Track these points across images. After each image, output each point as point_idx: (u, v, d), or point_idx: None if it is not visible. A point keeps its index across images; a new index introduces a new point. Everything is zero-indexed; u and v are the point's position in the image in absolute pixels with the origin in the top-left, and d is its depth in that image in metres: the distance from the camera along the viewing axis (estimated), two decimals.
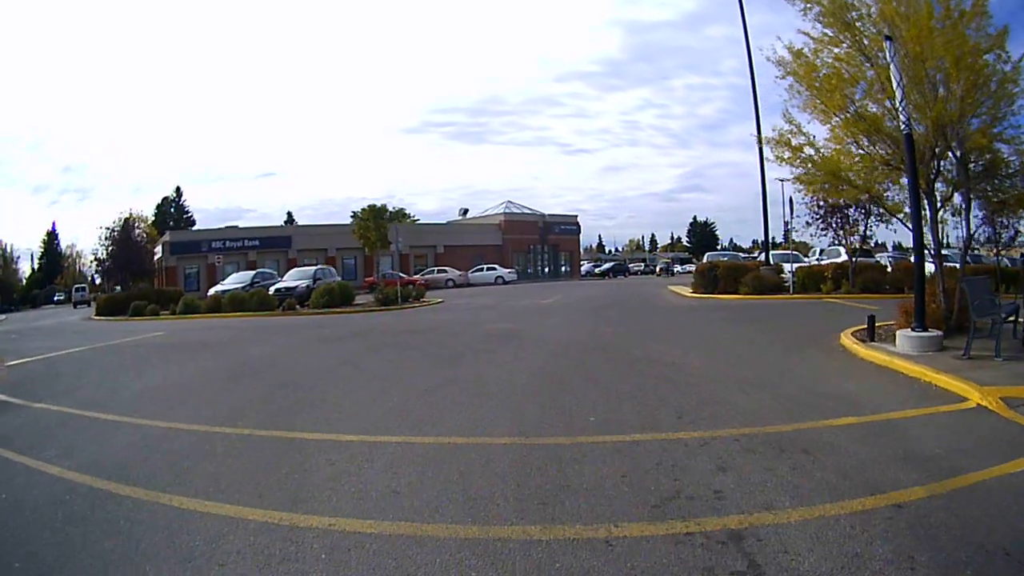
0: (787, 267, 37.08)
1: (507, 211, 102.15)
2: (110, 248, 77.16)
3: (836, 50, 17.05)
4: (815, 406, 10.25)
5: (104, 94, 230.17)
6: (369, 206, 63.72)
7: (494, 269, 77.85)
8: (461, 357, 17.10)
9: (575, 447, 8.44)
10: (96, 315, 51.75)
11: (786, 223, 40.48)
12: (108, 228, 77.97)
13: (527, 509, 6.52)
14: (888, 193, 18.59)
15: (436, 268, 77.96)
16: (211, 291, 50.31)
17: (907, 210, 16.61)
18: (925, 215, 16.04)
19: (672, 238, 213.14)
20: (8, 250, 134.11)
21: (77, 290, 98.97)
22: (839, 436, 8.59)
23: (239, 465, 8.61)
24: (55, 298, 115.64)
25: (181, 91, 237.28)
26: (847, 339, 16.50)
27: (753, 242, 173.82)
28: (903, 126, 14.83)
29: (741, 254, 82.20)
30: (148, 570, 5.75)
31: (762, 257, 46.68)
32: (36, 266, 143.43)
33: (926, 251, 16.00)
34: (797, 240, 40.74)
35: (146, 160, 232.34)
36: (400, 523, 6.35)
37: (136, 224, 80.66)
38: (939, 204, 16.53)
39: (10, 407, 14.12)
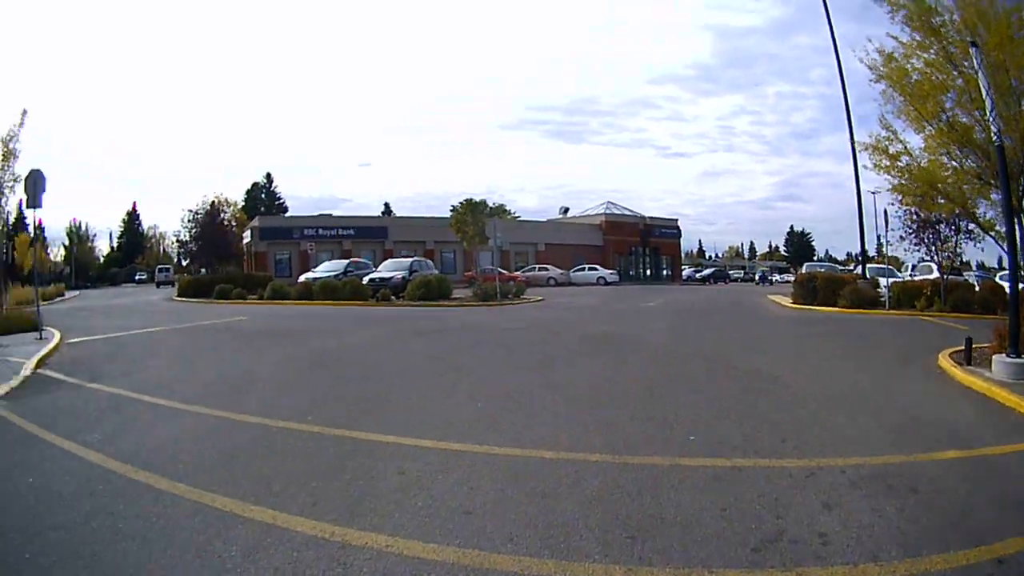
0: (883, 281, 35.87)
1: (608, 212, 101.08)
2: (194, 230, 77.29)
3: (925, 55, 16.35)
4: (919, 435, 9.42)
5: (197, 77, 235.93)
6: (467, 199, 63.05)
7: (596, 270, 76.79)
8: (557, 359, 16.42)
9: (673, 470, 7.63)
10: (178, 296, 52.05)
11: (878, 236, 39.63)
12: (192, 211, 78.13)
13: (613, 543, 5.70)
14: (979, 209, 17.87)
15: (537, 265, 77.27)
16: (302, 277, 49.85)
17: (1000, 228, 15.94)
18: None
19: (770, 247, 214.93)
20: (83, 228, 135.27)
21: (161, 270, 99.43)
22: (944, 472, 7.77)
23: (298, 466, 7.95)
24: (136, 277, 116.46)
25: (277, 78, 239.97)
26: (945, 360, 15.45)
27: (847, 254, 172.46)
28: (994, 138, 13.74)
29: (837, 266, 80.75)
30: None
31: (858, 270, 45.44)
32: (115, 245, 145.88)
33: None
34: (890, 254, 39.82)
35: (236, 146, 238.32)
36: (467, 551, 5.55)
37: (222, 208, 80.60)
38: None
39: (63, 386, 13.77)
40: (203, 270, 74.03)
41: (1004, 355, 13.62)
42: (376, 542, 5.72)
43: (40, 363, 16.39)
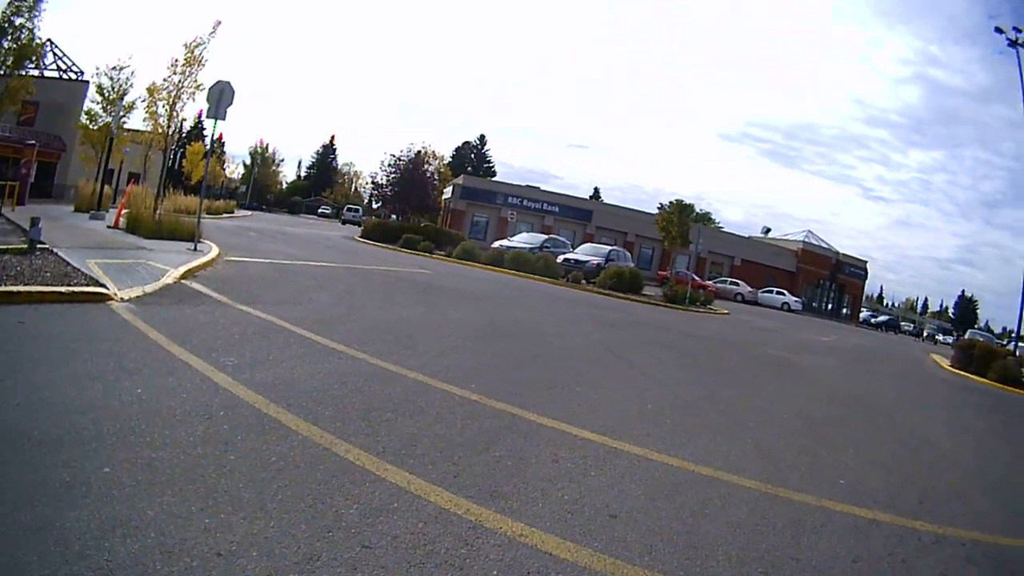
0: None
1: (806, 240, 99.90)
2: (392, 175, 77.50)
3: None
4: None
5: (425, 29, 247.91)
6: (677, 200, 62.37)
7: (783, 294, 76.47)
8: (731, 375, 16.21)
9: (817, 511, 7.38)
10: (361, 237, 51.73)
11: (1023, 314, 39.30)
12: (395, 156, 79.74)
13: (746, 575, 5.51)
14: None
15: (729, 279, 76.83)
16: (495, 244, 49.12)
17: None
18: None
19: (941, 306, 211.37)
20: (269, 150, 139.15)
21: (349, 209, 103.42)
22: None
23: (448, 433, 7.58)
24: (320, 210, 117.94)
25: (508, 47, 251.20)
26: None
27: (1003, 329, 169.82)
28: None
29: (995, 337, 78.80)
30: (269, 524, 4.86)
31: (1011, 345, 45.00)
32: (303, 174, 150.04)
33: None
34: None
35: (452, 104, 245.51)
36: (603, 556, 5.30)
37: (428, 158, 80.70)
38: None
39: (206, 301, 13.36)
40: (394, 216, 74.69)
41: None
42: (511, 529, 5.47)
43: (188, 275, 15.90)
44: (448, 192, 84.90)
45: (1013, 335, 50.61)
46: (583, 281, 39.83)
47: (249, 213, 77.45)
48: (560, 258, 43.98)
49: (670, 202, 61.08)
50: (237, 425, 6.65)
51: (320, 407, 7.68)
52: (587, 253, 46.50)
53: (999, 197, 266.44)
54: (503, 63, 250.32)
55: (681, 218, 57.79)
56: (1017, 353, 38.91)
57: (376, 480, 5.87)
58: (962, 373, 33.24)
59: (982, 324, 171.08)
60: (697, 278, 54.41)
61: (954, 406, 20.34)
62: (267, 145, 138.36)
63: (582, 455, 7.69)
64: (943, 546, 7.12)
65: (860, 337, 50.97)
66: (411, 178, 75.45)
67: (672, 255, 71.42)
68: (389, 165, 77.82)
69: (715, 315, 39.36)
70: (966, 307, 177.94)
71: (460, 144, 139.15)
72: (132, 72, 39.89)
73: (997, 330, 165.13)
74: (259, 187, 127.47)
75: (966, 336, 51.24)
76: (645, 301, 37.31)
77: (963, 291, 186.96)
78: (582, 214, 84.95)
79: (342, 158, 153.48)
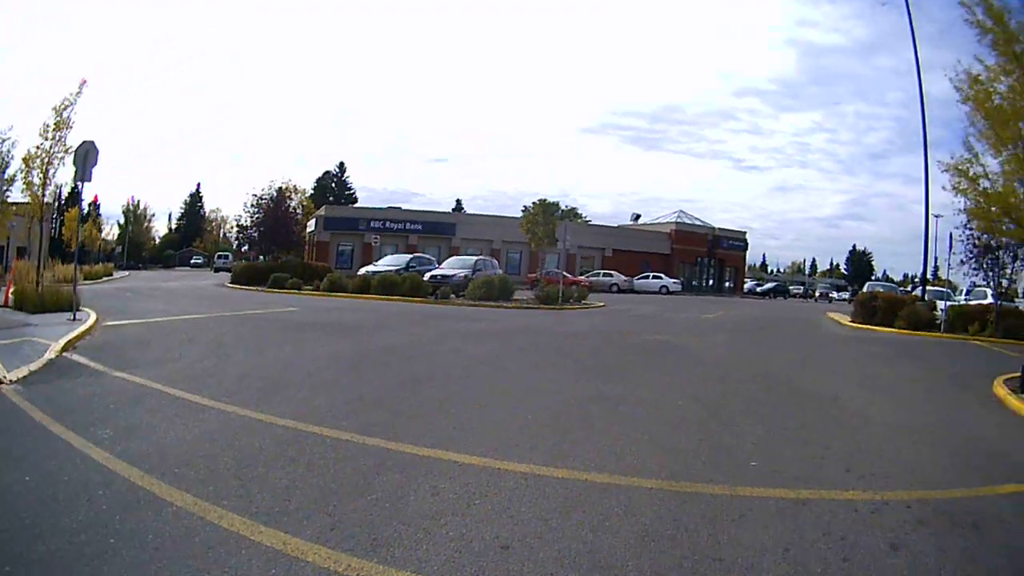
0: (940, 304, 35.64)
1: (678, 221, 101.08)
2: (256, 216, 76.50)
3: (1009, 80, 15.78)
4: (980, 467, 8.97)
5: (277, 65, 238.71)
6: (540, 200, 62.34)
7: (659, 278, 77.45)
8: (615, 369, 15.77)
9: (733, 501, 6.90)
10: (231, 283, 51.73)
11: (935, 259, 39.96)
12: (256, 195, 77.09)
13: None
14: None
15: (602, 271, 77.61)
16: (362, 270, 49.00)
17: None
18: None
19: (831, 264, 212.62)
20: (141, 207, 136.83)
21: (219, 256, 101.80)
22: (1003, 508, 7.32)
23: (322, 480, 7.11)
24: (192, 261, 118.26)
25: (353, 69, 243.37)
26: (999, 387, 15.06)
27: (904, 276, 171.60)
28: None
29: (898, 288, 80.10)
30: None
31: (917, 291, 45.74)
32: (174, 226, 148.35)
33: None
34: (945, 278, 39.62)
35: (309, 134, 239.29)
36: None
37: (289, 194, 79.94)
38: None
39: (86, 373, 13.03)
40: (261, 257, 73.85)
41: None
42: None
43: (67, 346, 15.75)
44: (312, 225, 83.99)
45: (916, 279, 51.45)
46: (453, 296, 40.00)
47: (127, 273, 76.72)
48: (427, 276, 44.11)
49: (533, 203, 61.40)
50: (115, 503, 6.25)
51: (192, 470, 7.31)
52: (453, 267, 47.28)
53: (887, 147, 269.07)
54: (352, 86, 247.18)
55: (546, 217, 57.99)
56: (926, 297, 39.88)
57: (252, 546, 5.36)
58: (866, 327, 33.86)
59: (879, 275, 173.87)
60: (568, 275, 54.57)
61: (861, 361, 20.47)
62: (138, 202, 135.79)
63: (464, 483, 7.24)
64: (884, 514, 6.77)
65: (747, 308, 51.87)
66: (275, 216, 74.10)
67: (541, 256, 72.28)
68: (252, 206, 76.24)
69: (591, 309, 39.65)
70: (859, 261, 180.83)
71: (321, 175, 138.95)
72: (13, 143, 38.86)
73: (897, 278, 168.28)
74: (134, 245, 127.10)
75: (864, 289, 51.40)
76: (517, 306, 37.40)
77: (854, 245, 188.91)
78: (446, 228, 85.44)
79: (209, 204, 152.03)
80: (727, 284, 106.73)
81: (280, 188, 76.50)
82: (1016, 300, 39.62)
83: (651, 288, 74.84)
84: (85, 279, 50.23)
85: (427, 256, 56.79)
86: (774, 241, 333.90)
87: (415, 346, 18.58)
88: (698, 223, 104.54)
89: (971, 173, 17.02)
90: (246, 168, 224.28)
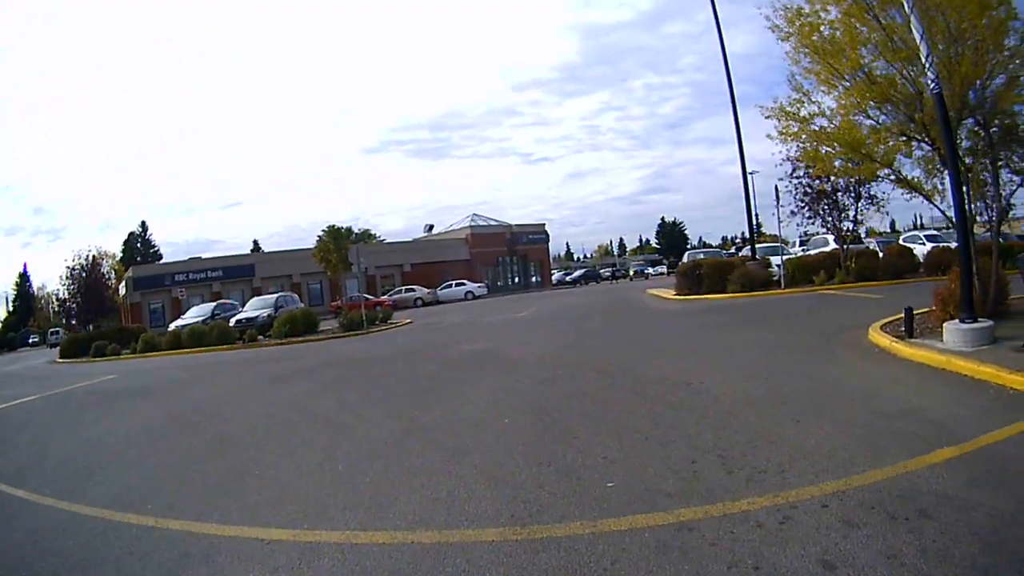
0: (775, 260, 35.29)
1: (473, 224, 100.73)
2: (71, 287, 73.82)
3: (841, 6, 15.03)
4: (895, 435, 7.64)
5: (71, 131, 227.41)
6: (329, 227, 60.92)
7: (463, 284, 76.90)
8: (430, 392, 14.16)
9: (598, 542, 5.56)
10: (60, 357, 49.65)
11: (756, 215, 39.73)
12: (70, 268, 74.44)
13: None
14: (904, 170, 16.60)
15: (404, 287, 76.98)
16: (171, 326, 48.10)
17: (929, 186, 15.21)
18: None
19: (641, 240, 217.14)
20: None
21: (52, 332, 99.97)
22: (948, 482, 6.12)
23: None
24: (29, 340, 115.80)
25: (146, 124, 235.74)
26: (878, 336, 14.22)
27: (723, 239, 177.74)
28: (932, 84, 12.51)
29: (722, 251, 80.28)
30: None
31: (746, 252, 45.96)
32: (11, 309, 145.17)
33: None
34: (777, 233, 39.09)
35: (114, 197, 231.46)
36: None
37: (101, 261, 77.09)
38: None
39: None
40: (85, 327, 71.31)
41: (957, 322, 12.34)
42: None
43: None
44: (123, 287, 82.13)
45: (738, 242, 51.70)
46: (260, 337, 38.98)
47: None
48: (232, 321, 43.43)
49: (322, 230, 60.00)
50: None
51: None
52: (256, 308, 46.81)
53: (685, 114, 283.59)
54: (139, 140, 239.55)
55: (337, 244, 56.96)
56: (758, 256, 39.15)
57: None
58: (694, 298, 32.89)
59: (695, 243, 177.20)
60: (369, 297, 54.68)
61: (702, 334, 19.32)
62: None
63: (272, 568, 6.04)
64: (797, 521, 5.57)
65: (561, 299, 50.62)
66: (88, 285, 71.26)
67: (341, 283, 71.91)
68: (67, 278, 73.52)
69: (398, 327, 38.86)
70: (671, 232, 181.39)
71: (127, 236, 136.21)
72: None
73: (716, 243, 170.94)
74: None
75: (685, 260, 49.96)
76: (324, 337, 36.26)
77: (663, 218, 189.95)
78: (245, 270, 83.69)
79: (37, 282, 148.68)
80: (534, 279, 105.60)
81: (92, 256, 73.66)
82: (864, 242, 39.94)
83: (456, 296, 74.38)
84: None
85: (231, 302, 56.70)
86: (575, 228, 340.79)
87: (223, 400, 17.35)
88: (493, 223, 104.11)
89: (802, 114, 16.25)
90: (62, 242, 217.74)
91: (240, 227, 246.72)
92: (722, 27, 39.44)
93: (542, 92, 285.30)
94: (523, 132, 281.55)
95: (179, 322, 48.42)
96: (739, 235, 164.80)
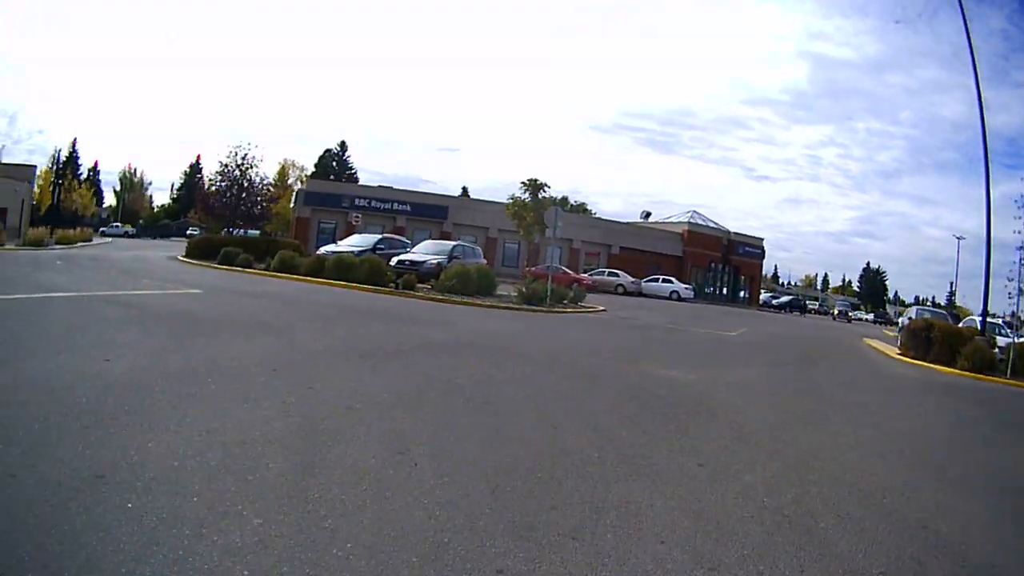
0: (1001, 340, 31.06)
1: (691, 221, 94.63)
2: (220, 185, 68.13)
3: None
4: None
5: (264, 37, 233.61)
6: (529, 179, 55.22)
7: (670, 282, 71.02)
8: (586, 457, 7.72)
9: None
10: (184, 256, 44.93)
11: (951, 284, 36.71)
12: (223, 164, 69.15)
13: None
14: None
15: (607, 269, 70.89)
16: (321, 250, 42.60)
17: None
18: None
19: (843, 280, 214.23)
20: (136, 174, 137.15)
21: (192, 229, 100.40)
22: None
23: None
24: (187, 232, 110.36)
25: (367, 46, 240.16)
26: None
27: (915, 298, 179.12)
28: None
29: (947, 314, 74.86)
30: None
31: (969, 323, 40.37)
32: (175, 197, 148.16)
33: None
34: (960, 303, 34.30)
35: (312, 114, 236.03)
36: None
37: (253, 163, 71.07)
38: None
39: None
40: (229, 229, 66.63)
41: None
42: None
43: None
44: (293, 200, 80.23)
45: (930, 303, 46.65)
46: (420, 286, 32.76)
47: (108, 240, 73.47)
48: (393, 260, 37.82)
49: (522, 182, 54.33)
50: None
51: None
52: (426, 251, 40.28)
53: (898, 166, 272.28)
54: (362, 69, 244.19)
55: (536, 199, 51.16)
56: (986, 332, 33.25)
57: None
58: (921, 363, 27.52)
59: (891, 296, 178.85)
60: (568, 271, 48.49)
61: (966, 435, 13.81)
62: (135, 169, 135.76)
63: None
64: None
65: (771, 325, 44.85)
66: (240, 186, 65.79)
67: (541, 248, 66.40)
68: (217, 173, 68.03)
69: (587, 315, 32.41)
70: (872, 279, 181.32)
71: (322, 153, 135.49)
72: None
73: (909, 300, 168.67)
74: (130, 212, 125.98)
75: (911, 315, 45.38)
76: (494, 305, 29.75)
77: (868, 263, 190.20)
78: (437, 211, 78.02)
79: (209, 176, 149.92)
80: (742, 294, 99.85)
81: (245, 155, 67.19)
82: None
83: (661, 292, 67.86)
84: (58, 243, 49.60)
85: (400, 238, 49.40)
86: (785, 253, 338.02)
87: (289, 367, 10.92)
88: (712, 225, 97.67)
89: None
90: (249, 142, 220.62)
91: (454, 174, 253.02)
92: (935, 92, 34.02)
93: (771, 112, 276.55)
94: (749, 146, 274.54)
95: (330, 247, 43.27)
96: (930, 298, 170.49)
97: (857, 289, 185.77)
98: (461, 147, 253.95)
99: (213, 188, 69.33)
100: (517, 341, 18.67)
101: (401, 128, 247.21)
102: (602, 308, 36.44)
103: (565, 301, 35.12)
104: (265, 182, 71.09)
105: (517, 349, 16.86)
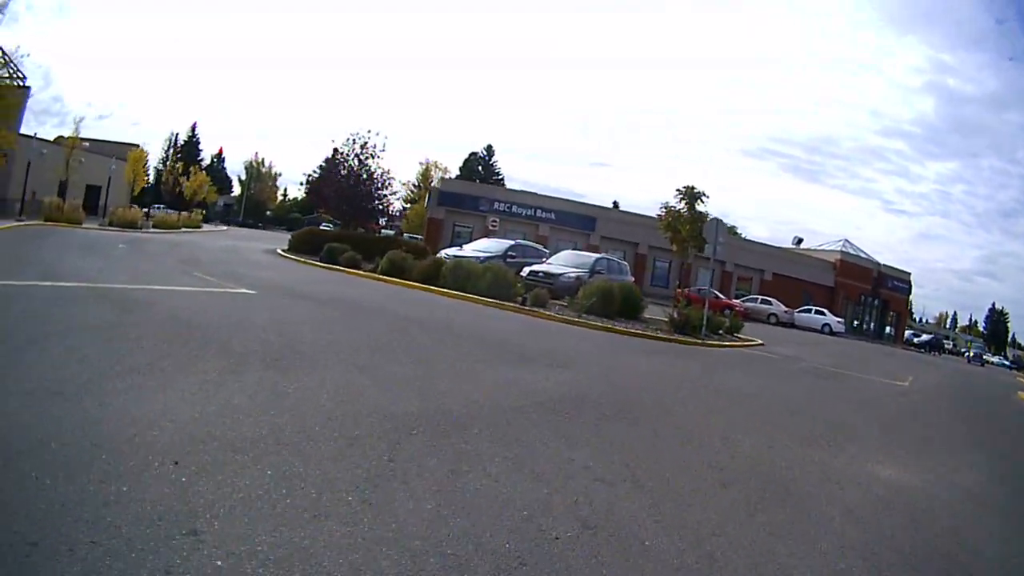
0: None
1: (844, 251, 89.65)
2: (328, 174, 62.60)
3: None
4: None
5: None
6: (685, 187, 50.01)
7: (823, 314, 66.31)
8: None
9: None
10: (283, 250, 42.61)
11: None
12: (338, 151, 62.17)
13: None
14: None
15: (760, 297, 67.20)
16: (442, 253, 37.79)
17: None
18: None
19: (970, 320, 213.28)
20: (264, 164, 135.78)
21: (324, 224, 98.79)
22: None
23: None
24: (321, 226, 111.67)
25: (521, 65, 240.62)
26: None
27: None
28: None
29: None
30: None
31: None
32: (306, 192, 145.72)
33: None
34: None
35: (465, 121, 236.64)
36: None
37: (373, 152, 65.71)
38: None
39: None
40: (347, 225, 62.48)
41: None
42: None
43: None
44: (428, 200, 77.14)
45: None
46: (553, 301, 27.83)
47: (224, 228, 75.74)
48: (525, 271, 32.80)
49: (677, 190, 49.38)
50: None
51: None
52: (564, 263, 34.95)
53: (1015, 206, 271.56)
54: (514, 86, 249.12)
55: (692, 211, 46.30)
56: None
57: None
58: None
59: (1010, 338, 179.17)
60: (721, 296, 43.52)
61: None
62: (262, 159, 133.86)
63: None
64: None
65: (929, 369, 40.38)
66: (355, 176, 59.95)
67: (695, 268, 62.81)
68: (328, 159, 62.69)
69: (744, 348, 28.13)
70: (997, 321, 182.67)
71: (467, 155, 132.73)
72: None
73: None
74: (255, 203, 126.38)
75: None
76: (639, 333, 24.43)
77: (993, 304, 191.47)
78: (584, 222, 72.78)
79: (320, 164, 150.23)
80: (887, 330, 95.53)
81: (365, 143, 61.06)
82: None
83: (813, 324, 63.25)
84: (155, 227, 52.49)
85: (536, 246, 43.64)
86: (918, 289, 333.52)
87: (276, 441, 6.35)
88: (864, 256, 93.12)
89: None
90: (393, 144, 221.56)
91: (602, 189, 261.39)
92: None
93: (906, 144, 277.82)
94: (887, 179, 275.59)
95: (453, 250, 38.92)
96: None
97: (983, 330, 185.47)
98: (612, 163, 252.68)
99: (325, 176, 63.83)
100: (666, 397, 13.31)
101: (551, 139, 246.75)
102: (759, 342, 31.57)
103: (720, 331, 30.80)
104: (387, 175, 65.90)
105: (668, 415, 11.47)
